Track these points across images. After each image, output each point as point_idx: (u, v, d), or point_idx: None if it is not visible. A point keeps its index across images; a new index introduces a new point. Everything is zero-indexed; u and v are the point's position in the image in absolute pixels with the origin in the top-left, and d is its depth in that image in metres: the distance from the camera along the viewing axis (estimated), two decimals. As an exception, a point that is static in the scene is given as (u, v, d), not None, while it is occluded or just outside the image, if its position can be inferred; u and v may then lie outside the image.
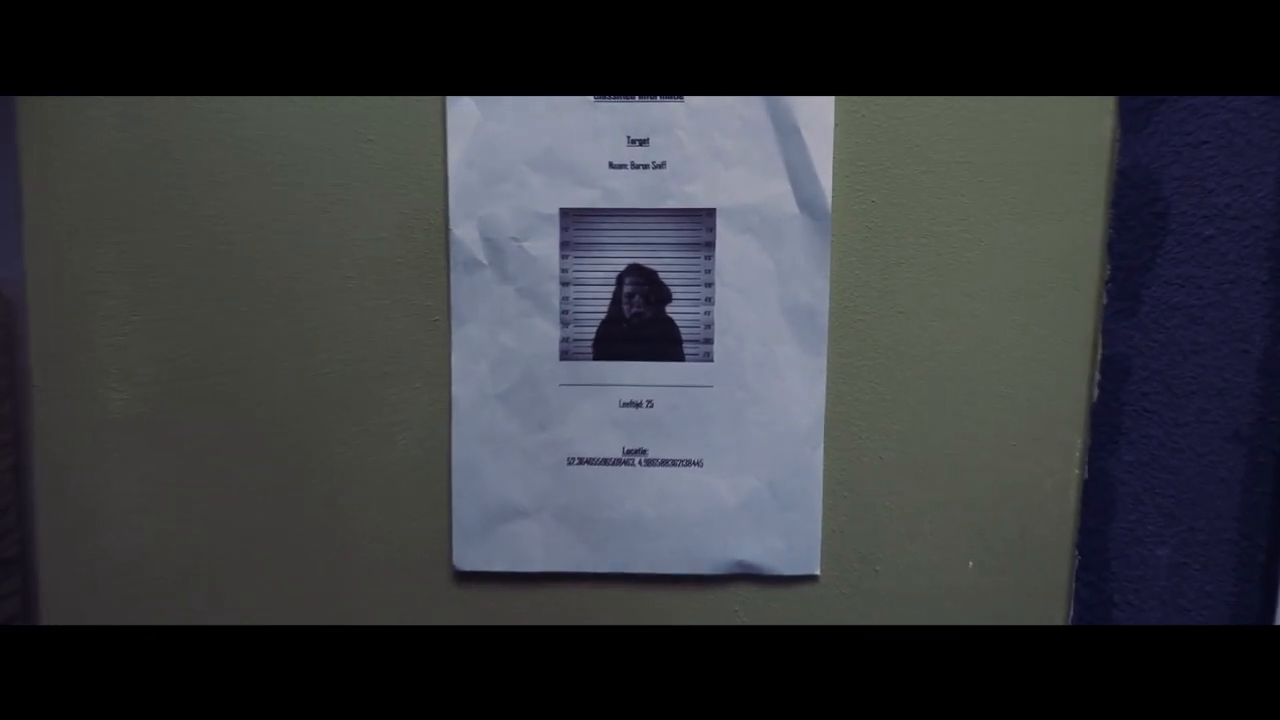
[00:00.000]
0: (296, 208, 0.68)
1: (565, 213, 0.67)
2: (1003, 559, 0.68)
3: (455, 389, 0.69)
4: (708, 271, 0.67)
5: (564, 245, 0.67)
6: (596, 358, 0.68)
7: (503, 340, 0.68)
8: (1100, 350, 0.66)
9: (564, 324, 0.68)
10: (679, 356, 0.67)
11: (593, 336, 0.68)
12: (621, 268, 0.67)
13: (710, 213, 0.66)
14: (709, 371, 0.67)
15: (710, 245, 0.66)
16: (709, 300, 0.67)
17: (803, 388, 0.67)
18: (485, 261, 0.67)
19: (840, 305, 0.67)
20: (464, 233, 0.67)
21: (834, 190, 0.66)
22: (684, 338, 0.67)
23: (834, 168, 0.65)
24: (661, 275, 0.67)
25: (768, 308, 0.67)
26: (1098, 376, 0.66)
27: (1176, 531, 0.67)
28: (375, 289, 0.68)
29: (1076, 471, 0.67)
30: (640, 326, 0.67)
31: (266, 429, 0.70)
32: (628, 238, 0.67)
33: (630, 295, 0.67)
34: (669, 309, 0.67)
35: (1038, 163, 0.65)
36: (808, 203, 0.65)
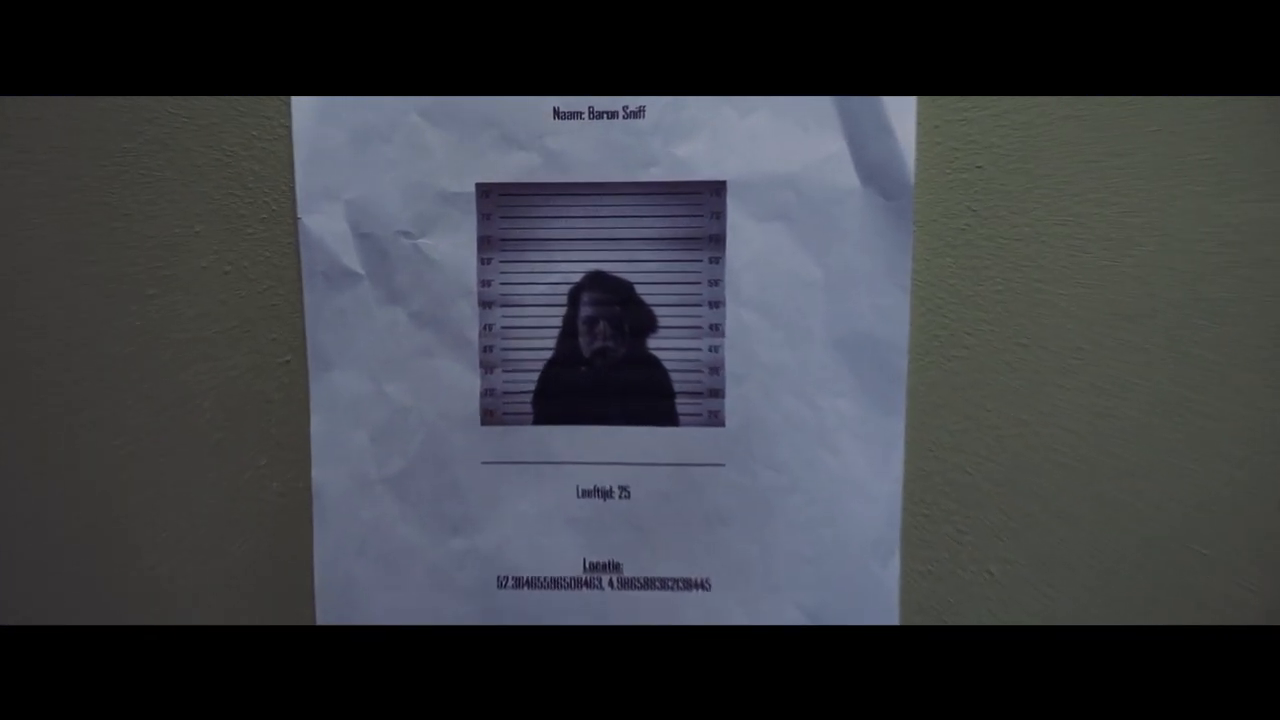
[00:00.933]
0: (56, 189, 0.43)
1: (486, 190, 0.42)
2: (1184, 732, 0.43)
3: (317, 471, 0.44)
4: (714, 283, 0.42)
5: (485, 243, 0.42)
6: (539, 420, 0.43)
7: (391, 394, 0.43)
8: (1346, 403, 0.41)
9: (487, 368, 0.43)
10: (669, 418, 0.42)
11: (533, 388, 0.43)
12: (577, 278, 0.42)
13: (717, 189, 0.41)
14: (718, 441, 0.42)
15: (718, 241, 0.41)
16: (716, 329, 0.42)
17: (868, 467, 0.42)
18: (360, 270, 0.42)
19: (927, 334, 0.42)
20: (323, 224, 0.42)
21: (919, 152, 0.41)
22: (677, 388, 0.42)
23: (919, 116, 0.41)
24: (640, 290, 0.42)
25: (811, 339, 0.42)
26: (1342, 445, 0.41)
27: None
28: (189, 314, 0.43)
29: (1304, 595, 0.42)
30: (608, 371, 0.42)
31: (33, 531, 0.45)
32: (586, 229, 0.42)
33: (591, 322, 0.42)
34: (652, 342, 0.42)
35: (1248, 102, 0.40)
36: (876, 171, 0.40)
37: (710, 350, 0.42)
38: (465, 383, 0.43)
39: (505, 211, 0.42)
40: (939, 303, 0.42)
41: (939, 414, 0.43)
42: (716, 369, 0.42)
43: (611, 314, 0.42)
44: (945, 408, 0.43)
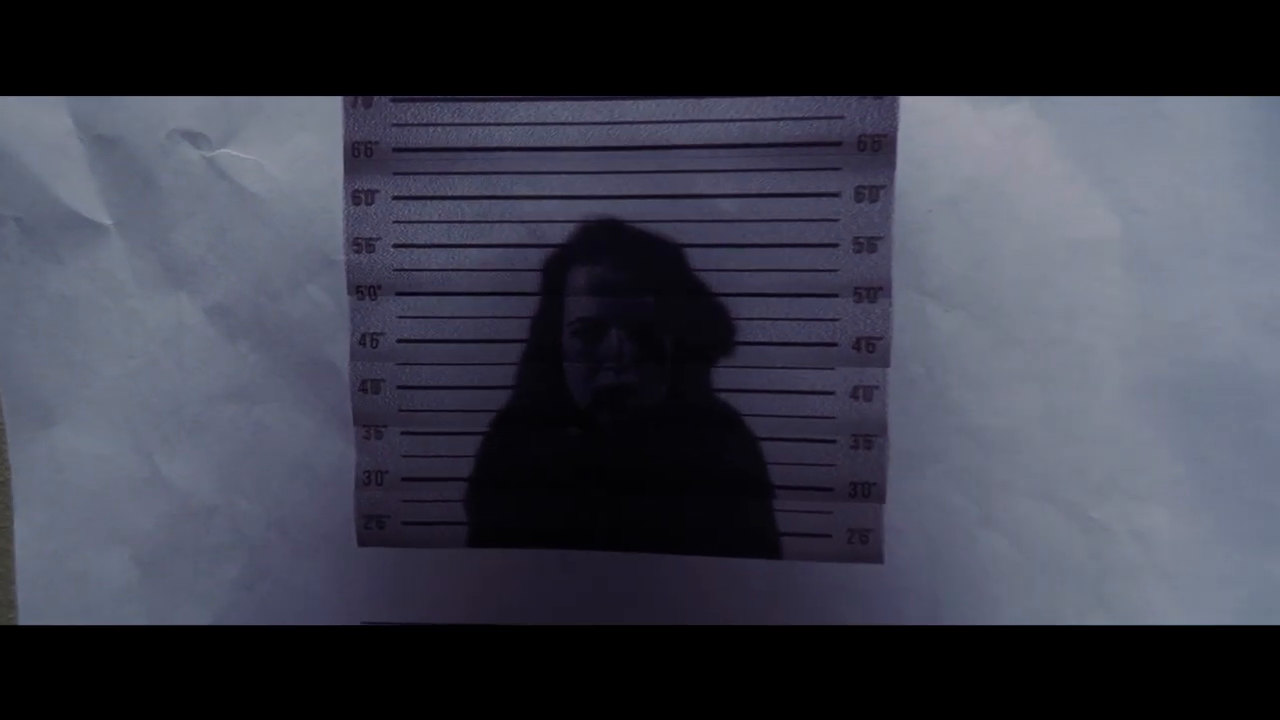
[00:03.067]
0: None
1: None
2: None
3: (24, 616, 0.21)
4: (866, 245, 0.18)
5: (362, 157, 0.19)
6: (479, 539, 0.20)
7: (176, 477, 0.20)
8: None
9: (369, 427, 0.20)
10: (761, 540, 0.19)
11: (466, 472, 0.20)
12: (563, 234, 0.19)
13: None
14: (869, 594, 0.19)
15: (879, 149, 0.18)
16: (868, 349, 0.19)
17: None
18: (103, 216, 0.20)
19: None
20: (12, 117, 0.19)
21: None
22: (779, 478, 0.19)
23: None
24: (702, 261, 0.19)
25: (1087, 373, 0.18)
26: None
27: None
28: None
29: None
30: (627, 437, 0.19)
31: None
32: (581, 127, 0.18)
33: (594, 329, 0.19)
34: (725, 377, 0.19)
35: None
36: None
37: (855, 397, 0.19)
38: (325, 456, 0.20)
39: (403, 98, 0.19)
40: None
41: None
42: (867, 437, 0.19)
43: (638, 313, 0.19)
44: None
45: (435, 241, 0.19)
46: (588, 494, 0.20)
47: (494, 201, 0.19)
